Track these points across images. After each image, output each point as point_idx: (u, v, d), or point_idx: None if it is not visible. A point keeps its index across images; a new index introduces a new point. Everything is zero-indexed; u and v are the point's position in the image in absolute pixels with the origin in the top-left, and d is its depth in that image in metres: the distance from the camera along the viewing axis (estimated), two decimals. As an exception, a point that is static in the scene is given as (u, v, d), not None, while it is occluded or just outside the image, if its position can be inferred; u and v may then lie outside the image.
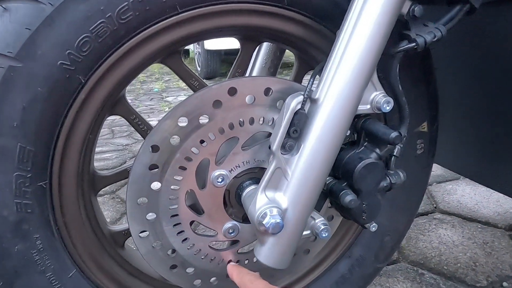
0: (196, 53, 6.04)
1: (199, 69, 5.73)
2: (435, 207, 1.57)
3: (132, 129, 3.04)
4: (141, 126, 0.66)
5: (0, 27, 0.46)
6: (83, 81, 0.52)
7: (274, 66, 0.88)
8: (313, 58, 0.71)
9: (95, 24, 0.49)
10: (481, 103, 0.87)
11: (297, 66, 0.74)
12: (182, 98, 4.28)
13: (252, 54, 0.68)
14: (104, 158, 2.32)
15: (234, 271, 0.63)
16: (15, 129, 0.49)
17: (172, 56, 0.62)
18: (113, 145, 2.64)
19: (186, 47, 7.72)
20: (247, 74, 0.89)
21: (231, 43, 5.12)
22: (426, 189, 0.85)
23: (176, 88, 5.15)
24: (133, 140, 2.72)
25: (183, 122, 0.57)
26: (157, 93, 4.85)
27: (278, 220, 0.55)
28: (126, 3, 0.50)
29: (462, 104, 0.93)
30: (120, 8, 0.50)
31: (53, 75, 0.49)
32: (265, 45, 0.87)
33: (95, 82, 0.54)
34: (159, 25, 0.54)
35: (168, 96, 4.48)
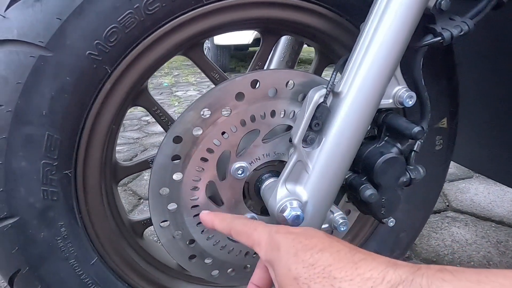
0: (206, 48, 6.05)
1: (208, 63, 5.73)
2: (448, 205, 1.56)
3: (143, 123, 3.06)
4: (162, 118, 0.67)
5: (32, 17, 0.46)
6: (109, 71, 0.53)
7: (292, 60, 0.88)
8: (334, 52, 0.71)
9: (123, 15, 0.50)
10: (500, 100, 0.86)
11: (317, 60, 0.74)
12: (191, 93, 4.30)
13: (272, 47, 0.68)
14: (116, 150, 2.34)
15: (216, 219, 0.52)
16: (44, 118, 0.50)
17: (195, 48, 0.63)
18: (124, 138, 2.66)
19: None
20: (265, 68, 0.90)
21: (240, 38, 5.12)
22: (443, 185, 0.85)
23: (185, 82, 5.16)
24: (144, 134, 2.74)
25: (206, 114, 0.57)
26: (166, 87, 4.87)
27: (299, 213, 0.55)
28: (153, -6, 0.50)
29: (480, 101, 0.92)
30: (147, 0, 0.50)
31: (81, 65, 0.50)
32: (284, 38, 0.87)
33: (120, 72, 0.54)
34: (184, 16, 0.55)
35: (177, 91, 4.50)
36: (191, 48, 0.63)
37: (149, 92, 0.64)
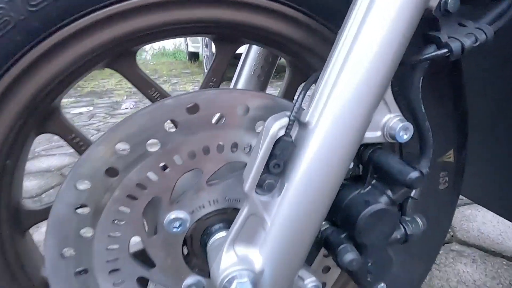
0: (204, 56, 5.92)
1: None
2: (452, 236, 1.40)
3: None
4: (82, 147, 0.51)
5: None
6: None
7: (264, 74, 0.72)
8: (310, 67, 0.55)
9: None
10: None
11: (288, 77, 0.58)
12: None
13: (228, 59, 0.53)
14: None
15: None
16: None
17: (122, 59, 0.48)
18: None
19: (195, 50, 7.66)
20: (232, 84, 0.74)
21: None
22: (447, 232, 0.69)
23: (183, 91, 5.03)
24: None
25: (124, 149, 0.42)
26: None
27: (248, 290, 0.40)
28: (34, -18, 0.35)
29: (487, 128, 0.76)
30: (26, -10, 0.35)
31: None
32: (255, 48, 0.72)
33: (2, 90, 0.39)
34: (92, 16, 0.40)
35: (172, 100, 4.34)
36: (117, 59, 0.47)
37: (62, 115, 0.49)
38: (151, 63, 9.51)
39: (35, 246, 0.56)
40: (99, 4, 0.40)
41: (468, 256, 1.27)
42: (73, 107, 3.87)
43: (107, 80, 6.08)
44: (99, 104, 4.11)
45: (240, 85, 0.73)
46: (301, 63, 0.55)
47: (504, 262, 1.23)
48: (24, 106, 0.42)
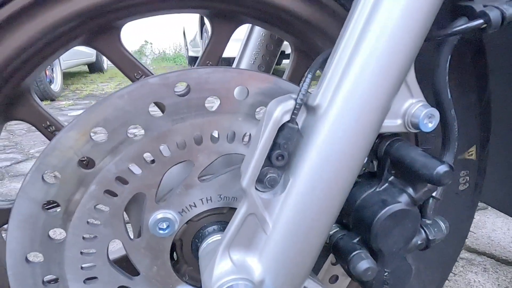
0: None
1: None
2: (461, 243, 1.33)
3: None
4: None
5: None
6: None
7: (266, 64, 0.66)
8: (317, 49, 0.49)
9: None
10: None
11: (293, 61, 0.52)
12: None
13: (226, 40, 0.47)
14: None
15: None
16: None
17: (102, 35, 0.42)
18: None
19: (195, 55, 7.63)
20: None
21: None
22: (467, 236, 0.63)
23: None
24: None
25: (100, 136, 0.35)
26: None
27: (246, 304, 0.33)
28: None
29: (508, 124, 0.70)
30: None
31: None
32: (255, 34, 0.66)
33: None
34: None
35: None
36: (98, 35, 0.41)
37: (34, 100, 0.43)
38: (151, 68, 9.49)
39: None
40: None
41: (479, 265, 1.20)
42: (71, 109, 3.82)
43: (106, 83, 6.05)
44: (97, 106, 4.05)
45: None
46: (307, 45, 0.49)
47: (517, 272, 1.16)
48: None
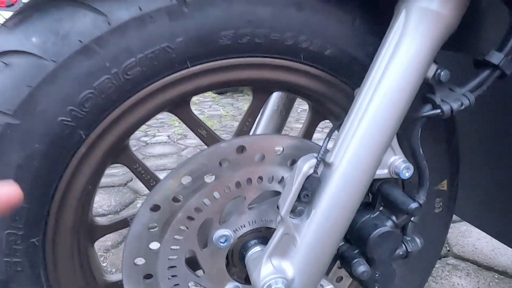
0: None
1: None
2: (449, 250, 1.50)
3: (141, 143, 3.03)
4: (144, 176, 0.63)
5: (0, 83, 0.43)
6: (84, 136, 0.49)
7: (286, 109, 0.84)
8: (328, 110, 0.67)
9: (100, 80, 0.47)
10: (502, 158, 0.82)
11: (310, 116, 0.70)
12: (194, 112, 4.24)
13: (262, 103, 0.65)
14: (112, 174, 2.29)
15: None
16: (9, 187, 0.46)
17: (181, 106, 0.59)
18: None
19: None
20: (257, 118, 0.86)
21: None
22: (442, 247, 0.80)
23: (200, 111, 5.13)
24: (142, 156, 2.70)
25: (187, 181, 0.53)
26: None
27: (283, 294, 0.51)
28: (133, 59, 0.47)
29: (482, 157, 0.88)
30: (126, 65, 0.47)
31: (52, 132, 0.47)
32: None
33: (97, 136, 0.51)
34: (167, 79, 0.51)
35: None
36: (177, 106, 0.59)
37: (130, 150, 0.61)
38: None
39: (97, 255, 0.68)
40: (171, 71, 0.52)
41: (462, 270, 1.37)
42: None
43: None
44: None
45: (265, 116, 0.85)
46: (322, 108, 0.67)
47: (496, 276, 1.33)
48: (109, 146, 0.54)
